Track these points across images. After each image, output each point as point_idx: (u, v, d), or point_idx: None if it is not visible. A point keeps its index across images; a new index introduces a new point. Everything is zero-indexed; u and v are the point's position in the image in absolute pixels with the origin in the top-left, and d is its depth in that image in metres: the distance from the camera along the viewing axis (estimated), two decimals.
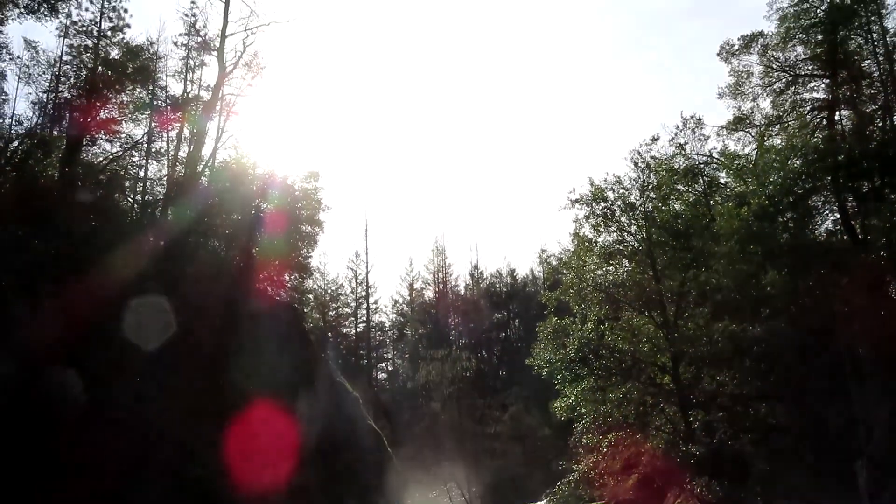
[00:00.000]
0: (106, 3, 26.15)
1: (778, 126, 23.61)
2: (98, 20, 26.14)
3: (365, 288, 52.27)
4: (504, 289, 58.55)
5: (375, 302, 55.24)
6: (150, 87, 27.50)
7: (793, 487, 17.31)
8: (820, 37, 22.53)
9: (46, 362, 18.31)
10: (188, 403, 21.07)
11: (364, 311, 52.42)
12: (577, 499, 23.33)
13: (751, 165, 22.24)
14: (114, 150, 26.92)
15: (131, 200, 28.06)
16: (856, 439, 16.44)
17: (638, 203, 22.27)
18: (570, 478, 23.46)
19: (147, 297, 21.30)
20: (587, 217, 22.79)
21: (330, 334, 49.06)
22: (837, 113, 23.00)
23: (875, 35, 21.94)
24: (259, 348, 24.89)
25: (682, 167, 23.10)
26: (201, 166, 27.79)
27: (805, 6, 22.44)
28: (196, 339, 22.94)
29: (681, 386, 20.06)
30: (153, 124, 27.30)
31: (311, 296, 45.67)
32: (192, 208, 26.29)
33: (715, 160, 24.20)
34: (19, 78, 25.33)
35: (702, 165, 23.95)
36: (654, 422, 20.89)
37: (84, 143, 25.97)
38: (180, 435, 20.07)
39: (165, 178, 27.57)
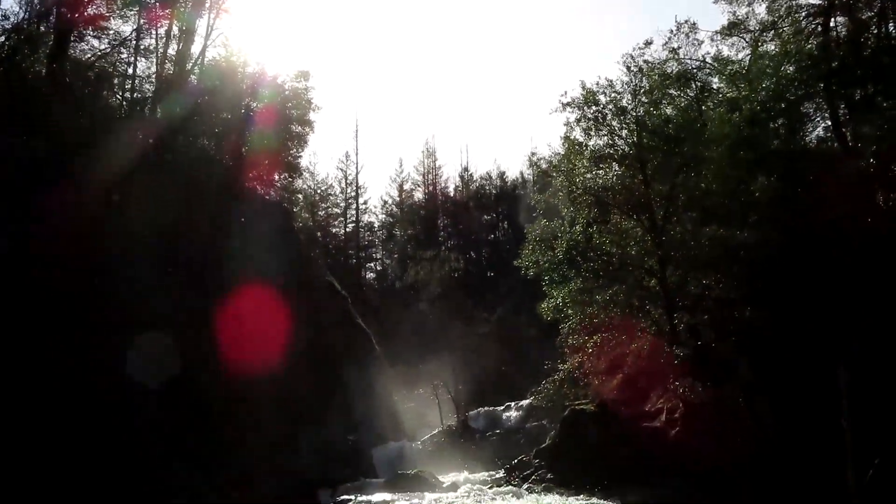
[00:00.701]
0: None
1: (772, 32, 23.34)
2: None
3: (354, 188, 52.41)
4: (493, 191, 58.71)
5: (365, 203, 55.23)
6: None
7: (775, 389, 17.81)
8: None
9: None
10: (179, 297, 21.50)
11: (353, 212, 52.66)
12: (562, 398, 23.90)
13: (744, 71, 22.09)
14: (102, 47, 26.63)
15: (120, 98, 27.85)
16: (838, 343, 16.80)
17: (629, 107, 22.16)
18: (556, 377, 24.01)
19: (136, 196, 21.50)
20: (578, 120, 22.69)
21: (319, 234, 49.30)
22: (833, 19, 22.75)
23: None
24: (249, 246, 25.12)
25: (674, 72, 22.90)
26: (190, 64, 27.54)
27: None
28: (186, 237, 23.20)
29: (667, 289, 20.36)
30: (142, 21, 26.84)
31: (300, 196, 45.76)
32: (181, 106, 26.14)
33: (708, 65, 23.99)
34: None
35: (694, 71, 23.74)
36: (639, 324, 21.28)
37: (72, 38, 25.63)
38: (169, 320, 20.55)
39: (154, 77, 27.24)
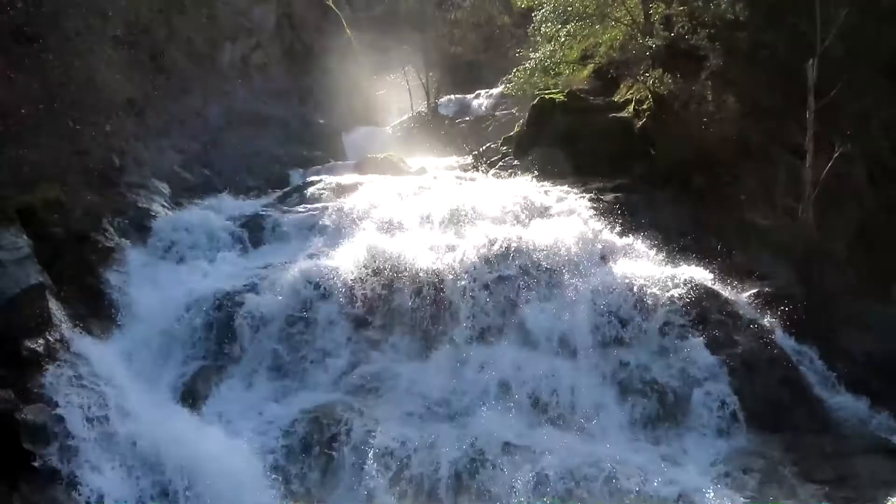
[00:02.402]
0: None
1: None
2: None
3: None
4: None
5: None
6: None
7: (743, 81, 17.93)
8: None
9: None
10: None
11: None
12: (533, 87, 23.90)
13: None
14: None
15: None
16: (812, 37, 16.72)
17: None
18: (527, 66, 23.86)
19: None
20: None
21: None
22: None
23: None
24: None
25: None
26: None
27: None
28: None
29: None
30: None
31: None
32: None
33: None
34: None
35: None
36: (614, 13, 20.89)
37: None
38: None
39: None
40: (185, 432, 11.57)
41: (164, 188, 18.42)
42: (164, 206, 17.76)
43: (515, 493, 11.21)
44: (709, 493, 10.97)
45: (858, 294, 15.17)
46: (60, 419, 10.83)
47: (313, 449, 12.08)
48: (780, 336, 14.29)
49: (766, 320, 14.44)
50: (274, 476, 11.58)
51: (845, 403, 13.55)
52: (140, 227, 16.54)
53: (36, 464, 10.32)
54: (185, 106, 21.22)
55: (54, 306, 12.66)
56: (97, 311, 14.13)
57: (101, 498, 10.49)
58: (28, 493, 10.09)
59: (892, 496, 10.59)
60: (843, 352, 14.23)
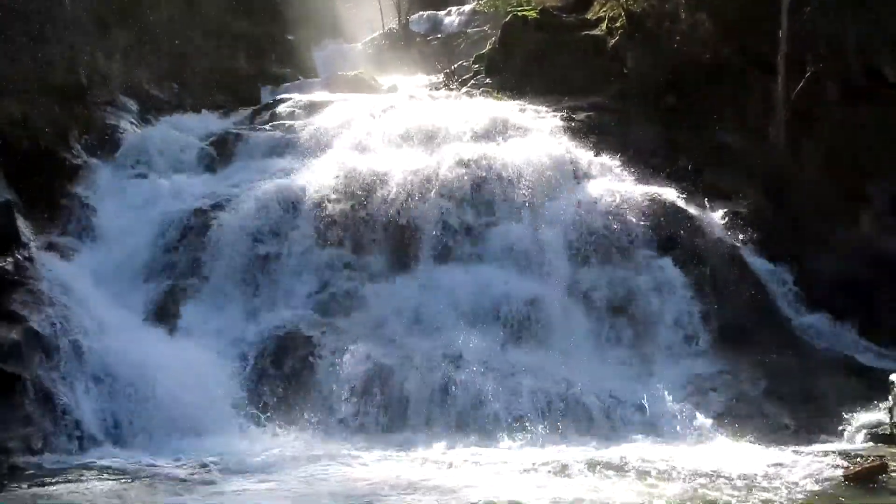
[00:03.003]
0: None
1: None
2: None
3: None
4: None
5: None
6: None
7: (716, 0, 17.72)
8: None
9: None
10: None
11: None
12: (504, 3, 23.64)
13: None
14: None
15: None
16: None
17: None
18: None
19: None
20: None
21: None
22: None
23: None
24: None
25: None
26: None
27: None
28: None
29: None
30: None
31: None
32: None
33: None
34: None
35: None
36: None
37: None
38: None
39: None
40: (155, 350, 11.58)
41: (133, 105, 18.17)
42: (132, 123, 17.55)
43: (486, 411, 11.35)
44: (676, 411, 11.20)
45: (827, 215, 15.28)
46: (30, 336, 10.76)
47: (285, 366, 12.16)
48: (748, 256, 14.43)
49: (736, 241, 14.52)
50: (245, 394, 11.66)
51: (812, 323, 13.75)
52: (108, 145, 16.36)
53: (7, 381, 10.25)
54: (154, 22, 20.72)
55: (22, 224, 12.55)
56: (65, 229, 14.04)
57: (72, 413, 10.50)
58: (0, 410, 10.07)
59: (856, 412, 10.85)
60: (810, 272, 14.36)
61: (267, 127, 18.03)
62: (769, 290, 14.06)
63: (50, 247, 12.92)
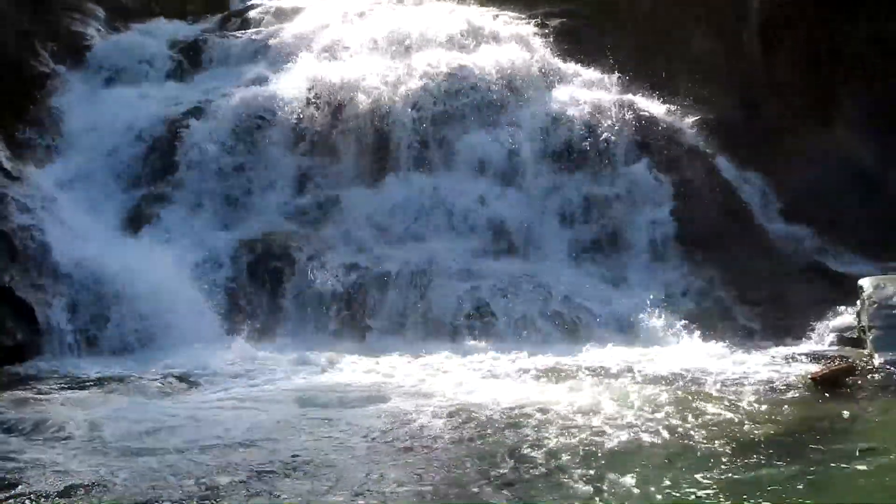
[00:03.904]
0: None
1: None
2: None
3: None
4: None
5: None
6: None
7: None
8: None
9: None
10: None
11: None
12: None
13: None
14: None
15: None
16: None
17: None
18: None
19: None
20: None
21: None
22: None
23: None
24: None
25: None
26: None
27: None
28: None
29: None
30: None
31: None
32: None
33: None
34: None
35: None
36: None
37: None
38: None
39: None
40: (129, 258, 11.57)
41: (100, 12, 17.71)
42: (99, 30, 17.15)
43: (461, 319, 11.56)
44: (647, 315, 11.39)
45: (800, 123, 15.28)
46: (2, 243, 10.74)
47: (259, 275, 12.22)
48: (722, 164, 14.47)
49: (708, 149, 14.55)
50: (220, 302, 11.72)
51: (783, 230, 13.89)
52: (76, 53, 16.05)
53: None
54: None
55: None
56: (36, 138, 13.86)
57: (46, 321, 10.55)
58: None
59: (826, 316, 11.04)
60: (782, 180, 14.45)
61: (238, 34, 17.68)
62: (741, 198, 14.14)
63: (20, 156, 12.73)
